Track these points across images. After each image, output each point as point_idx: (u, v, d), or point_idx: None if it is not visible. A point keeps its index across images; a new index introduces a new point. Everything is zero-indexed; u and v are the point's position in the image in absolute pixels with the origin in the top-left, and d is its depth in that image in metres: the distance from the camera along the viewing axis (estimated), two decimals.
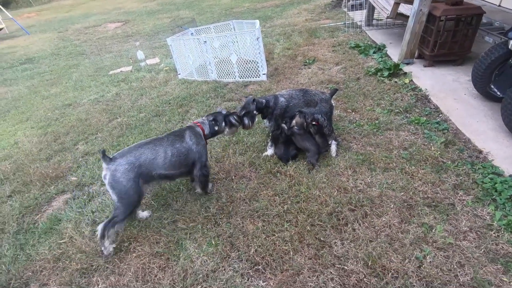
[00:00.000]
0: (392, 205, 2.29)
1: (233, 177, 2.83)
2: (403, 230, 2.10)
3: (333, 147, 2.91)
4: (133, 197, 2.17)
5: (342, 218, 2.24)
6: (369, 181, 2.55)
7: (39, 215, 2.80)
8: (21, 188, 3.19)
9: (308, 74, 4.80)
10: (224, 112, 2.69)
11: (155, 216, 2.51)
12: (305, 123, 2.81)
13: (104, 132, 4.12)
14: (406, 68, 4.35)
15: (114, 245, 2.25)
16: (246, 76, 5.00)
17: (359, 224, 2.18)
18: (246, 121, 2.73)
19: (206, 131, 2.57)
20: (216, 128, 2.61)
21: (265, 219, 2.33)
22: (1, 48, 11.45)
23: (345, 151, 2.94)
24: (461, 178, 2.46)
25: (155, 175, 2.27)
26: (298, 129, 2.83)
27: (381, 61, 4.69)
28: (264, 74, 4.87)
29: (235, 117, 2.66)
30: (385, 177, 2.56)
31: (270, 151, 3.02)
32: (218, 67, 5.12)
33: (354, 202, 2.35)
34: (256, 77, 4.93)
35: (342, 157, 2.86)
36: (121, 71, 6.77)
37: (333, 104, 2.99)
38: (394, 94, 3.84)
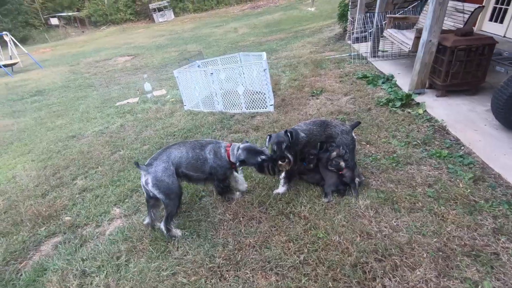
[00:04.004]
0: (425, 254, 1.98)
1: (241, 219, 2.55)
2: (442, 287, 1.78)
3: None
4: (177, 190, 2.36)
5: (368, 271, 1.92)
6: (395, 224, 2.26)
7: (24, 262, 2.52)
8: (10, 229, 2.93)
9: (316, 104, 4.67)
10: (265, 153, 2.51)
11: (152, 266, 2.21)
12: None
13: (105, 165, 3.93)
14: (418, 98, 4.20)
15: (179, 230, 2.49)
16: (253, 107, 4.89)
17: (389, 279, 1.86)
18: (290, 157, 2.48)
19: (232, 158, 2.56)
20: (243, 161, 2.53)
21: (279, 272, 2.02)
22: (14, 81, 11.76)
23: (364, 188, 2.68)
24: (500, 221, 2.16)
25: (181, 172, 2.46)
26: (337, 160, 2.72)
27: (392, 91, 4.56)
28: (272, 105, 4.76)
29: (270, 165, 2.48)
30: (412, 219, 2.27)
31: (282, 188, 2.76)
32: (225, 98, 5.04)
33: (380, 250, 2.04)
34: (263, 108, 4.81)
35: (362, 195, 2.59)
36: (127, 102, 6.78)
37: (355, 137, 2.77)
38: (409, 125, 3.64)
